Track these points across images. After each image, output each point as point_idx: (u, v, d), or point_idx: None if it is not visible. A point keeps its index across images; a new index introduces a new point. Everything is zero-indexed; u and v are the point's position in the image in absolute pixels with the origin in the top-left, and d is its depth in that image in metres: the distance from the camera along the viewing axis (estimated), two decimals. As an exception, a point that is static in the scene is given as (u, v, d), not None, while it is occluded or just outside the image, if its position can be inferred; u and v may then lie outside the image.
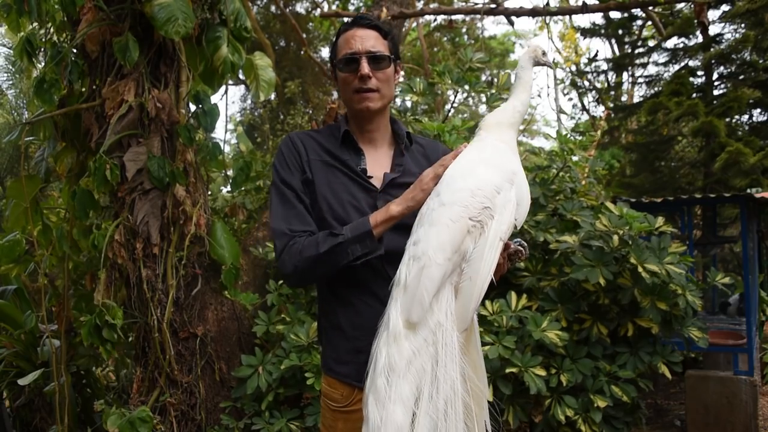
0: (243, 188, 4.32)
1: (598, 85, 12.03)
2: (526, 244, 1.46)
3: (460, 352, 1.31)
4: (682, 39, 8.49)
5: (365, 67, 1.53)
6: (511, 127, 1.52)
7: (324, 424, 1.61)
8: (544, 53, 1.61)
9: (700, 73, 8.29)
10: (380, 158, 1.63)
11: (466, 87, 3.93)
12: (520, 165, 1.48)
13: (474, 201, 1.35)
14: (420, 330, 1.32)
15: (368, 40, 1.56)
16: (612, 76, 11.40)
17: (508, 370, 2.88)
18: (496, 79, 4.28)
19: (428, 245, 1.33)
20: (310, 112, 11.25)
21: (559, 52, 12.57)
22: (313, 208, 1.55)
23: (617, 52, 11.62)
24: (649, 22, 8.70)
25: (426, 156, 1.67)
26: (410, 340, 1.31)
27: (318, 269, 1.48)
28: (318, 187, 1.55)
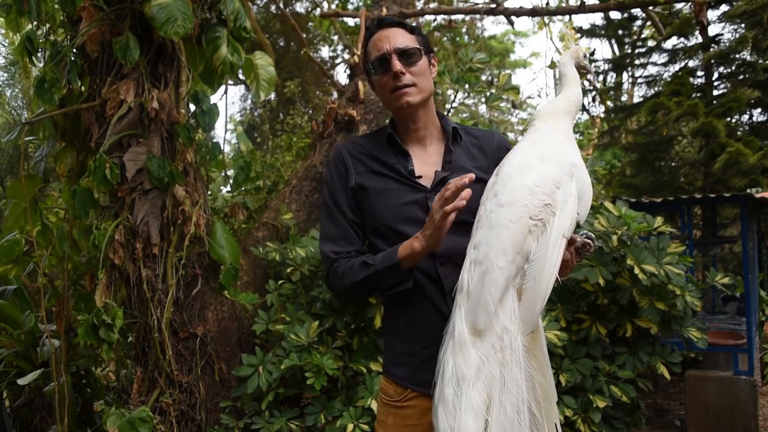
0: (243, 188, 4.32)
1: (598, 86, 12.02)
2: (593, 236, 1.39)
3: (526, 355, 1.28)
4: (682, 39, 8.49)
5: (397, 65, 1.52)
6: (567, 115, 1.46)
7: (378, 420, 1.63)
8: (585, 56, 1.55)
9: (699, 73, 8.29)
10: (430, 157, 1.60)
11: (466, 87, 3.93)
12: (579, 155, 1.41)
13: (533, 199, 1.29)
14: (487, 336, 1.28)
15: (395, 38, 1.55)
16: (612, 77, 11.40)
17: (507, 370, 2.88)
18: (496, 80, 4.28)
19: (489, 249, 1.29)
20: (310, 112, 11.25)
21: (559, 52, 12.56)
22: (365, 217, 1.57)
23: (617, 53, 11.62)
24: (649, 22, 8.70)
25: (480, 147, 1.63)
26: (477, 347, 1.28)
27: (359, 294, 1.54)
28: (369, 197, 1.55)
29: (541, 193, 1.30)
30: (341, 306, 3.23)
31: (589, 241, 1.38)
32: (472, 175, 1.36)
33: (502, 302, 1.29)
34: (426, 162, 1.58)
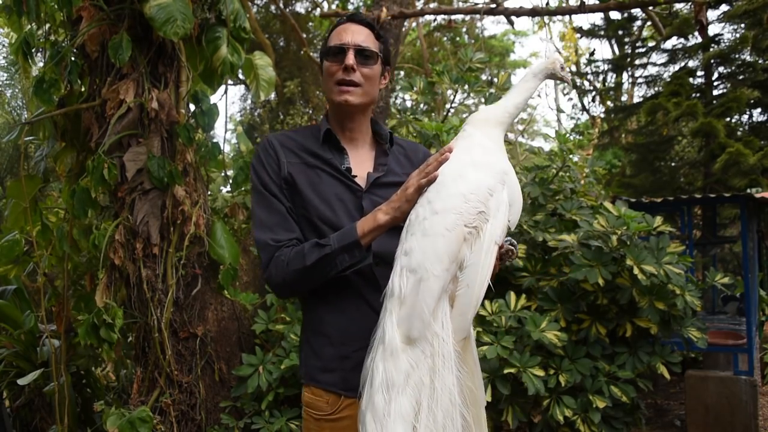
0: (243, 188, 4.32)
1: (598, 86, 12.04)
2: (516, 243, 1.43)
3: (458, 361, 1.28)
4: (681, 39, 8.50)
5: (351, 58, 1.49)
6: (499, 125, 1.45)
7: None
8: (563, 68, 1.53)
9: (699, 73, 8.29)
10: (362, 158, 1.59)
11: (466, 87, 3.93)
12: (509, 164, 1.43)
13: (468, 206, 1.30)
14: (418, 342, 1.28)
15: (359, 35, 1.52)
16: (612, 77, 11.41)
17: (506, 371, 2.88)
18: (495, 79, 4.28)
19: (424, 257, 1.28)
20: (310, 112, 11.25)
21: (559, 53, 12.57)
22: (296, 211, 1.51)
23: (617, 53, 11.63)
24: (649, 23, 8.71)
25: (407, 157, 1.64)
26: (407, 353, 1.28)
27: (307, 281, 1.44)
28: (302, 190, 1.50)
29: (475, 201, 1.31)
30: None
31: (512, 247, 1.40)
32: (452, 146, 1.37)
33: (434, 309, 1.29)
34: (359, 163, 1.57)
